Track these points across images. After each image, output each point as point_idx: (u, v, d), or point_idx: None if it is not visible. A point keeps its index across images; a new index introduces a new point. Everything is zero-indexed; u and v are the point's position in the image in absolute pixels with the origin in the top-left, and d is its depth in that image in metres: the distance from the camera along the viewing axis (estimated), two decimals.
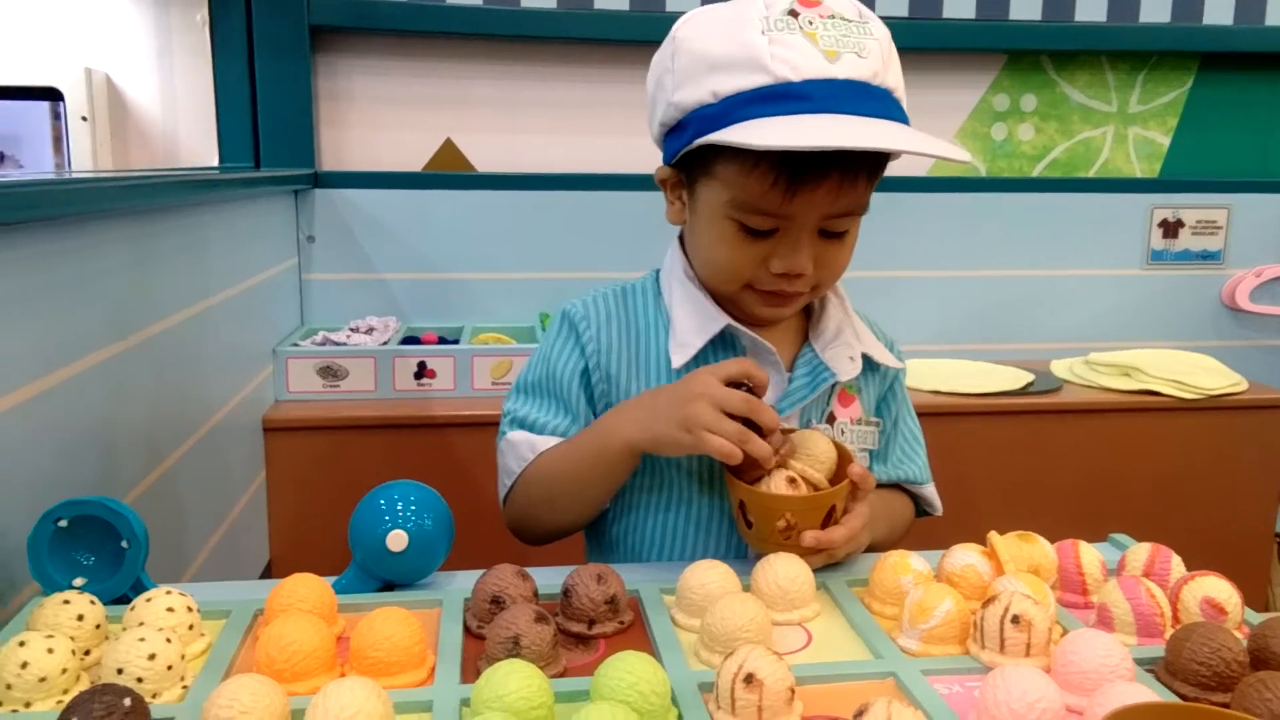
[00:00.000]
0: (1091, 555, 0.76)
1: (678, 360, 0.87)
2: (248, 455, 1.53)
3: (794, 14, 0.76)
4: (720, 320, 0.87)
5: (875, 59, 0.77)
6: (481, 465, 1.65)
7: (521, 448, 0.89)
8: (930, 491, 1.00)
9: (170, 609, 0.66)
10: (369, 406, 1.66)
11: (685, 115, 0.81)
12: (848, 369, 0.90)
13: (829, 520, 0.78)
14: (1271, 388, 1.85)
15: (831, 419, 0.91)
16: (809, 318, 0.93)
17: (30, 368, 0.82)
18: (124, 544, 0.73)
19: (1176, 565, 0.76)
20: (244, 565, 1.49)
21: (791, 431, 0.83)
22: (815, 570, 0.76)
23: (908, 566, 0.74)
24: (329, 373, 1.68)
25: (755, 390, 0.80)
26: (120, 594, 0.73)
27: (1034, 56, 2.08)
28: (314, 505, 1.61)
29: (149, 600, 0.66)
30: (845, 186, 0.78)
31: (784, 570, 0.73)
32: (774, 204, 0.79)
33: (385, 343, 1.75)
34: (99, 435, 0.96)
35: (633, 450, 0.83)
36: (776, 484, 0.77)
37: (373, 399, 1.69)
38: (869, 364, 0.93)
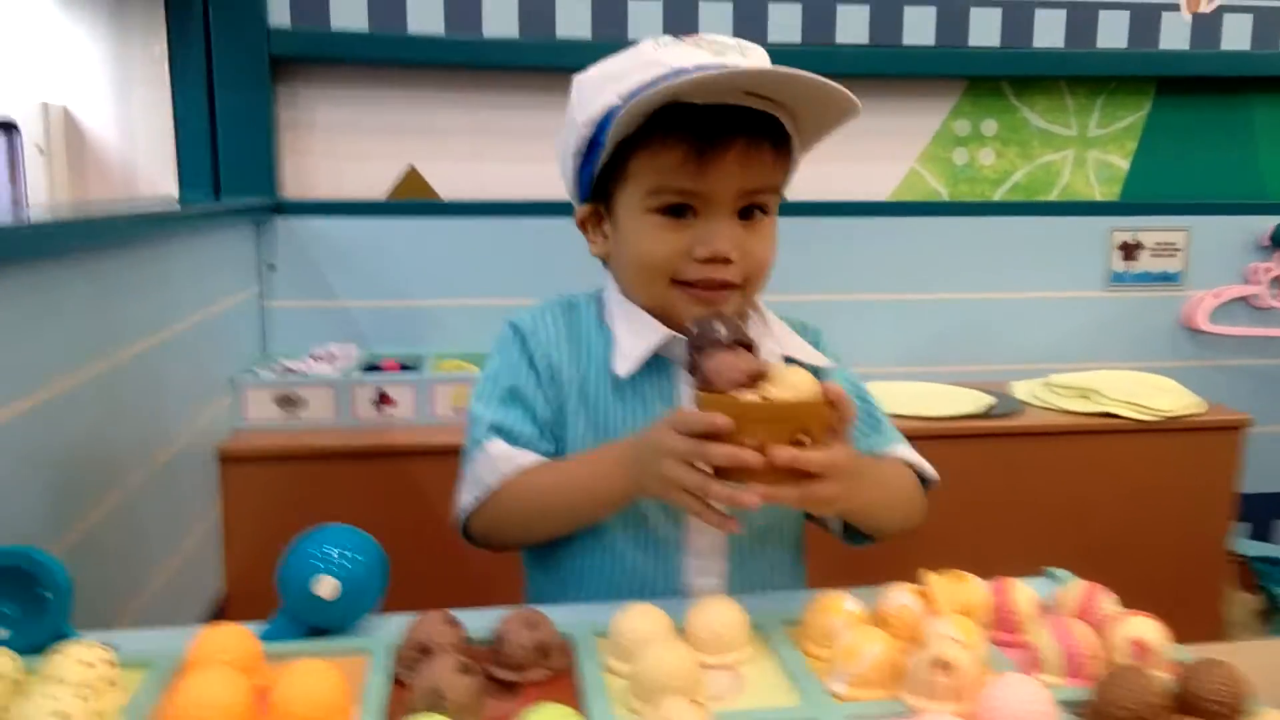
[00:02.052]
0: (1025, 594, 0.77)
1: (621, 370, 0.89)
2: (203, 486, 1.51)
3: (675, 38, 0.86)
4: (660, 331, 0.88)
5: (758, 60, 0.85)
6: (441, 493, 1.62)
7: (500, 461, 0.88)
8: (908, 452, 0.96)
9: (87, 663, 0.64)
10: (328, 436, 1.65)
11: (595, 128, 0.86)
12: None
13: (800, 447, 0.72)
14: (1229, 409, 1.87)
15: None
16: None
17: None
18: (48, 595, 0.72)
19: (1108, 603, 0.76)
20: (197, 599, 1.47)
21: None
22: (749, 614, 0.75)
23: (840, 608, 0.74)
24: (287, 402, 1.67)
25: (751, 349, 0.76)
26: (42, 646, 0.72)
27: (994, 82, 2.10)
28: (271, 537, 1.56)
29: (64, 654, 0.65)
30: (751, 156, 0.83)
31: (717, 614, 0.73)
32: (688, 180, 0.83)
33: (346, 371, 1.74)
34: (48, 470, 0.95)
35: (627, 496, 0.84)
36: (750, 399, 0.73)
37: (332, 428, 1.68)
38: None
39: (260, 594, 1.61)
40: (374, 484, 1.61)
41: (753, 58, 0.85)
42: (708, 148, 0.82)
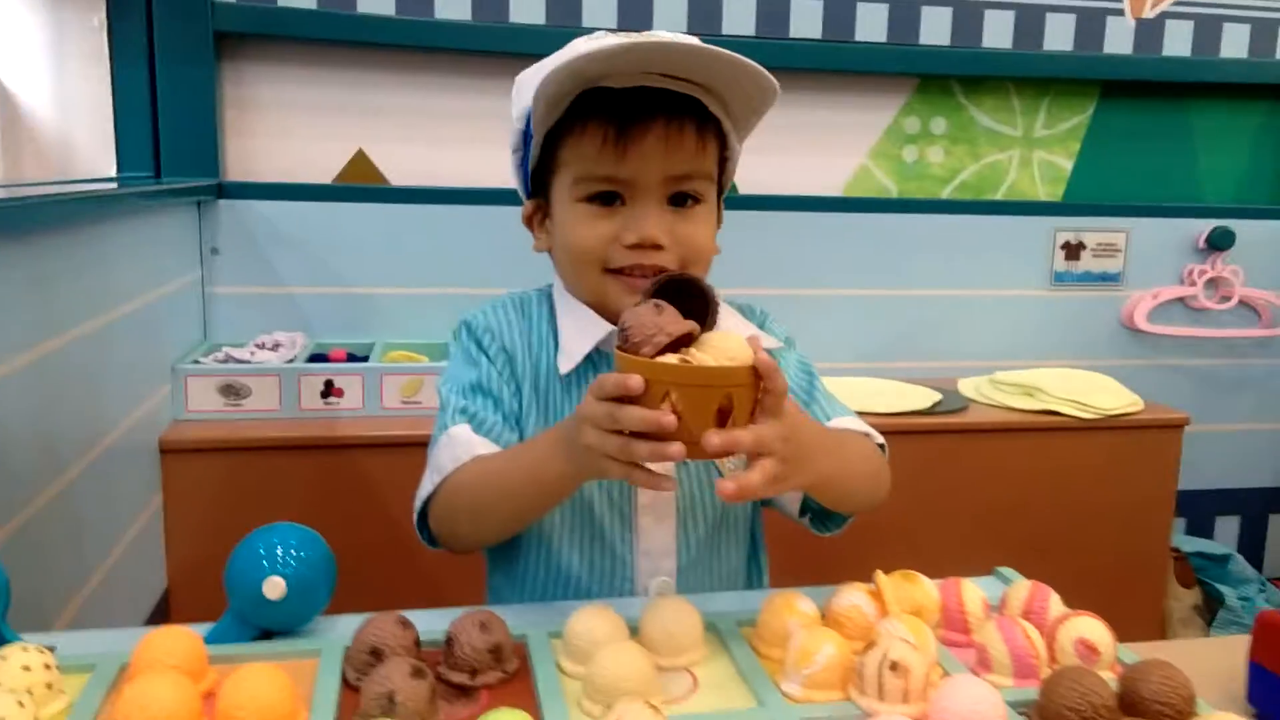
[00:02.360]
0: (974, 593, 0.78)
1: (564, 366, 0.89)
2: (143, 479, 1.48)
3: (615, 33, 0.85)
4: (603, 326, 0.88)
5: (687, 39, 0.83)
6: (390, 488, 1.62)
7: (459, 447, 0.86)
8: (855, 423, 0.93)
9: (26, 667, 0.62)
10: (273, 426, 1.62)
11: (524, 121, 0.87)
12: None
13: (725, 416, 0.68)
14: (1166, 407, 1.92)
15: None
16: None
17: None
18: None
19: (1055, 604, 0.77)
20: (140, 595, 1.44)
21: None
22: (704, 614, 0.75)
23: (794, 608, 0.74)
24: (230, 391, 1.63)
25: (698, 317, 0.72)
26: None
27: (944, 81, 2.13)
28: (214, 530, 1.55)
29: (3, 659, 0.63)
30: (672, 139, 0.83)
31: (671, 616, 0.73)
32: (610, 164, 0.83)
33: (292, 360, 1.71)
34: None
35: (567, 478, 0.79)
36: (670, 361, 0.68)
37: (277, 418, 1.65)
38: None
39: (204, 588, 1.58)
40: (321, 477, 1.59)
41: (680, 39, 0.84)
42: (626, 130, 0.82)
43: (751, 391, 0.69)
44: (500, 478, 0.84)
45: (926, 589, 0.77)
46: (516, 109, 0.89)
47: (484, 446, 0.86)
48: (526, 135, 0.89)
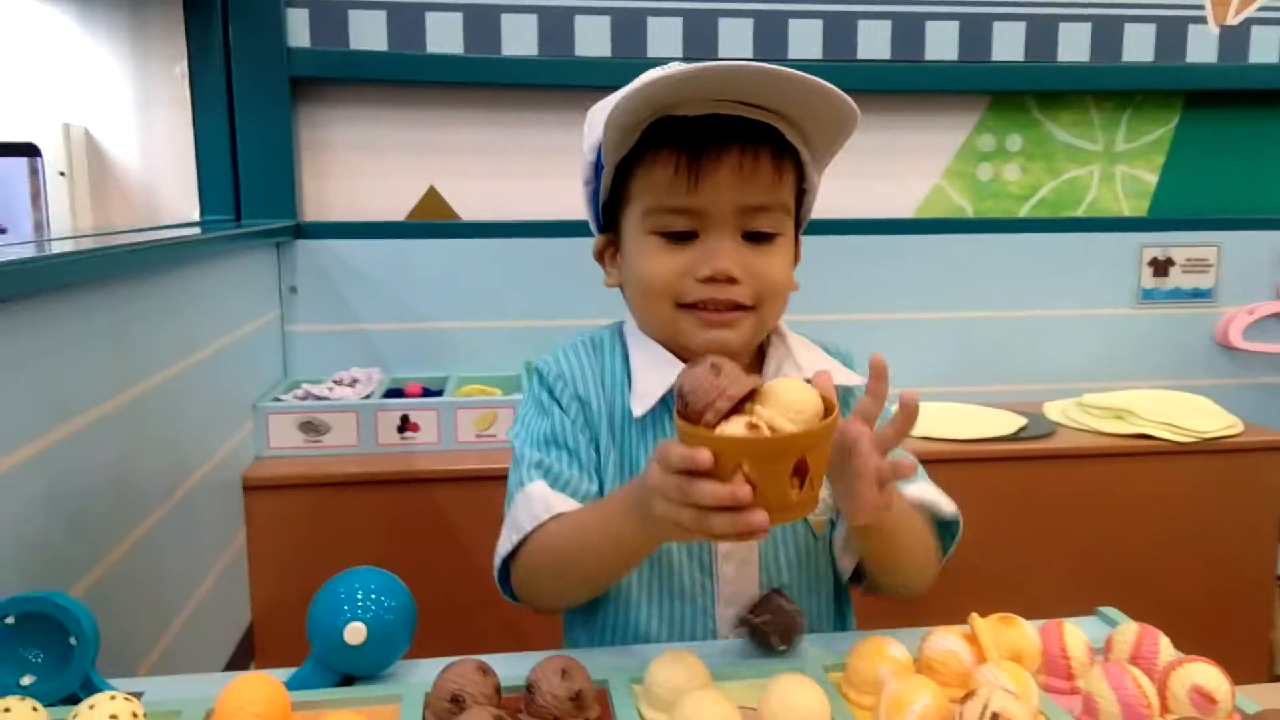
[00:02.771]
0: (1076, 637, 0.74)
1: (637, 410, 0.87)
2: (228, 514, 1.50)
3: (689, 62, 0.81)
4: (676, 366, 0.84)
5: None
6: (466, 521, 1.63)
7: (536, 504, 0.83)
8: (927, 491, 0.88)
9: (114, 715, 0.63)
10: (352, 462, 1.64)
11: (595, 152, 0.85)
12: None
13: (803, 477, 0.65)
14: (1267, 429, 1.83)
15: None
16: (761, 365, 0.90)
17: None
18: (72, 641, 0.70)
19: (1165, 648, 0.73)
20: (226, 630, 1.46)
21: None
22: (790, 656, 0.73)
23: (885, 654, 0.71)
24: (310, 428, 1.66)
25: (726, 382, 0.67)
26: (69, 693, 0.70)
27: (1018, 97, 2.08)
28: (296, 564, 1.58)
29: (92, 708, 0.63)
30: (747, 169, 0.80)
31: (795, 697, 0.65)
32: (681, 195, 0.81)
33: (368, 395, 1.73)
34: (72, 506, 0.94)
35: (643, 540, 0.76)
36: (736, 431, 0.64)
37: (355, 454, 1.67)
38: None
39: (287, 624, 1.59)
40: (398, 511, 1.60)
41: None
42: (698, 158, 0.80)
43: (827, 445, 0.66)
44: (580, 537, 0.81)
45: (1026, 632, 0.73)
46: (588, 141, 0.88)
47: (562, 503, 0.83)
48: (598, 167, 0.87)
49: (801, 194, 0.88)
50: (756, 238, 0.83)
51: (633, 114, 0.79)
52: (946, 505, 0.88)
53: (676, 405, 0.67)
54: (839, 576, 0.94)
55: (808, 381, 0.67)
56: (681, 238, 0.83)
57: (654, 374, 0.86)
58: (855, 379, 0.90)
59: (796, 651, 0.79)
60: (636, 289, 0.87)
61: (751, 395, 0.66)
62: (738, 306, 0.82)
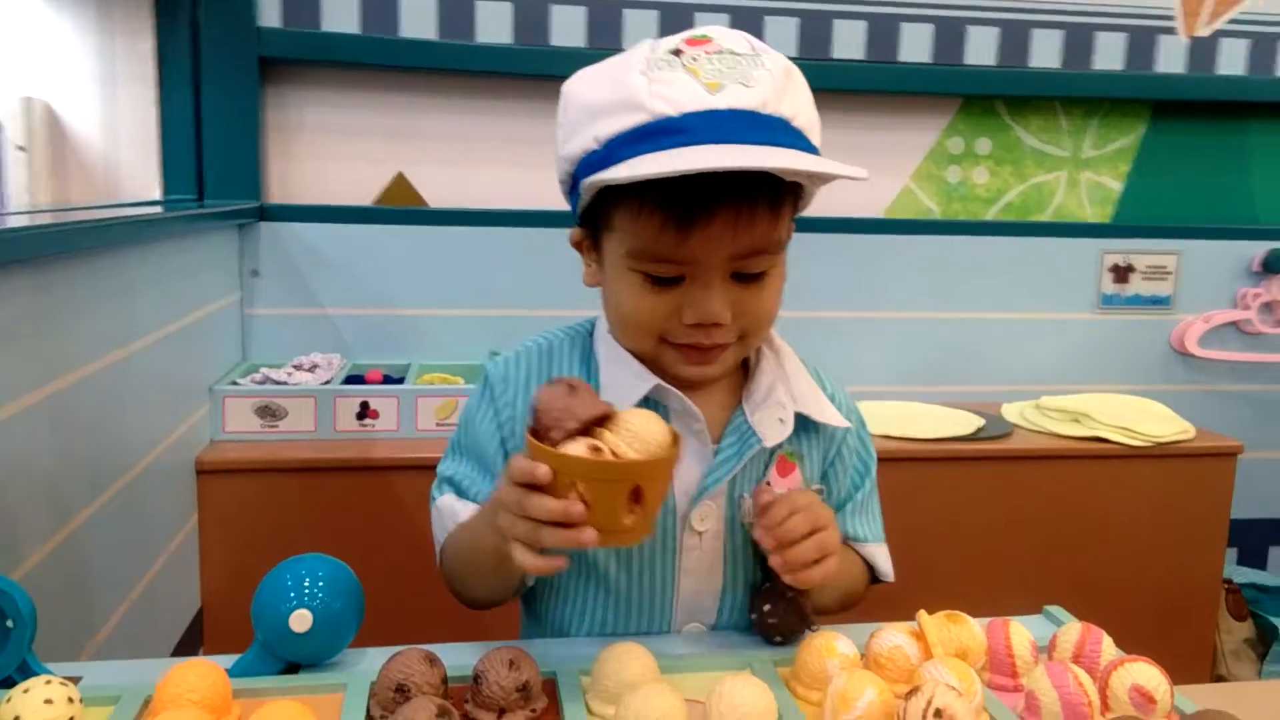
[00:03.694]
0: (1022, 635, 0.75)
1: None
2: (180, 497, 1.48)
3: (677, 53, 0.74)
4: (648, 380, 0.81)
5: (764, 88, 0.73)
6: (424, 510, 1.60)
7: (445, 517, 0.85)
8: (878, 552, 0.91)
9: (48, 700, 0.62)
10: (309, 448, 1.62)
11: (574, 167, 0.78)
12: (775, 433, 0.83)
13: (639, 503, 0.67)
14: (1219, 435, 1.86)
15: None
16: (746, 378, 0.87)
17: None
18: (9, 624, 0.69)
19: (1108, 647, 0.74)
20: (173, 613, 1.44)
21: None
22: (738, 654, 0.73)
23: (833, 650, 0.71)
24: (267, 412, 1.64)
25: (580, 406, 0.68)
26: (5, 675, 0.69)
27: (989, 101, 2.09)
28: (249, 550, 1.56)
29: (26, 691, 0.62)
30: (743, 222, 0.73)
31: (743, 696, 0.65)
32: (669, 248, 0.74)
33: (328, 381, 1.71)
34: (16, 487, 0.92)
35: (501, 555, 0.72)
36: (577, 451, 0.66)
37: (313, 439, 1.65)
38: (810, 425, 0.86)
39: (237, 609, 1.57)
40: (355, 499, 1.58)
41: (757, 87, 0.73)
42: (689, 216, 0.72)
43: (665, 477, 0.68)
44: (469, 547, 0.82)
45: (972, 630, 0.74)
46: (563, 147, 0.79)
47: (466, 512, 0.83)
48: (575, 177, 0.79)
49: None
50: (747, 277, 0.77)
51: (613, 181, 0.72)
52: (886, 573, 0.92)
53: (528, 420, 0.69)
54: None
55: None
56: (666, 281, 0.76)
57: (624, 384, 0.82)
58: (840, 422, 0.87)
59: (746, 644, 0.79)
60: (617, 317, 0.82)
61: (605, 420, 0.69)
62: (720, 346, 0.79)
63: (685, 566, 0.85)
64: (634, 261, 0.77)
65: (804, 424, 0.86)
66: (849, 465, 0.91)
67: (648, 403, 0.81)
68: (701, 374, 0.81)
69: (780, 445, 0.85)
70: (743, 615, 0.87)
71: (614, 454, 0.66)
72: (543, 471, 0.65)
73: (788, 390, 0.85)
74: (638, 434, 0.67)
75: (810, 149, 0.75)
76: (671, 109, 0.72)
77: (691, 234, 0.73)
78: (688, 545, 0.84)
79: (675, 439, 0.69)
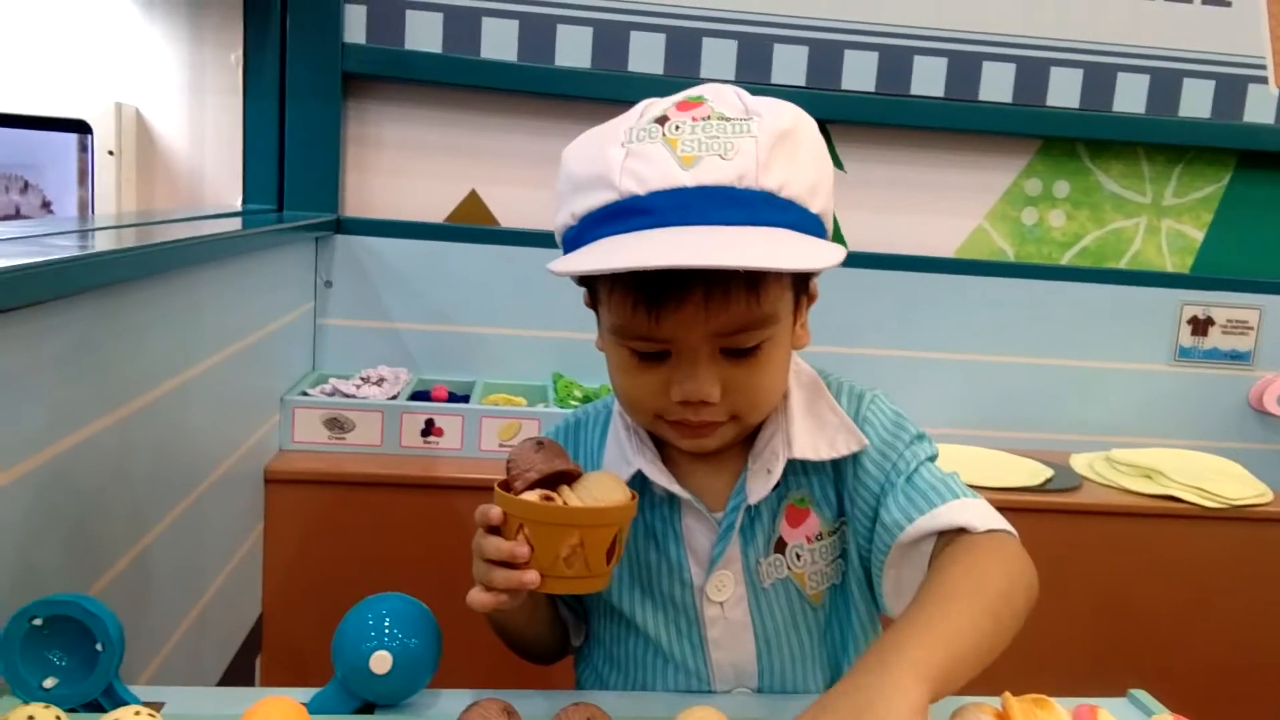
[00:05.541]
0: None
1: None
2: (249, 505, 1.50)
3: (663, 120, 0.71)
4: (633, 465, 0.81)
5: (745, 159, 0.69)
6: None
7: None
8: (965, 509, 0.76)
9: None
10: (374, 462, 1.64)
11: (561, 240, 0.77)
12: (761, 487, 0.80)
13: (613, 551, 0.72)
14: None
15: (781, 546, 0.82)
16: (753, 438, 0.82)
17: (17, 448, 0.79)
18: (98, 647, 0.70)
19: None
20: (235, 618, 1.46)
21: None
22: None
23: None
24: (335, 424, 1.66)
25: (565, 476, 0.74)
26: (92, 699, 0.70)
27: (1069, 144, 2.06)
28: (310, 560, 1.58)
29: None
30: (715, 303, 0.70)
31: None
32: (644, 328, 0.72)
33: (395, 395, 1.73)
34: (98, 502, 0.93)
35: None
36: (527, 497, 0.71)
37: (378, 454, 1.67)
38: (816, 462, 0.81)
39: (297, 617, 1.59)
40: (417, 516, 1.59)
41: (736, 159, 0.69)
42: (658, 301, 0.70)
43: (608, 534, 0.72)
44: None
45: (1060, 717, 0.72)
46: (556, 219, 0.77)
47: None
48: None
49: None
50: (738, 353, 0.74)
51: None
52: (999, 523, 0.76)
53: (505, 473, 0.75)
54: (839, 647, 0.87)
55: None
56: (653, 357, 0.74)
57: (616, 468, 0.82)
58: (853, 445, 0.81)
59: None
60: (614, 391, 0.81)
61: (569, 477, 0.74)
62: (712, 425, 0.76)
63: (712, 638, 0.84)
64: (618, 338, 0.75)
65: (811, 464, 0.81)
66: (877, 463, 0.81)
67: (640, 482, 0.82)
68: (699, 448, 0.79)
69: (783, 495, 0.82)
70: (787, 678, 0.85)
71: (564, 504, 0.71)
72: (495, 513, 0.71)
73: (785, 438, 0.80)
74: (592, 492, 0.73)
75: (803, 219, 0.71)
76: (639, 187, 0.69)
77: (663, 315, 0.71)
78: (709, 617, 0.83)
79: (632, 497, 0.74)
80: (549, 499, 0.71)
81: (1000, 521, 0.76)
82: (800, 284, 0.78)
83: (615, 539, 0.72)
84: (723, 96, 0.73)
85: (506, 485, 0.74)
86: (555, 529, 0.70)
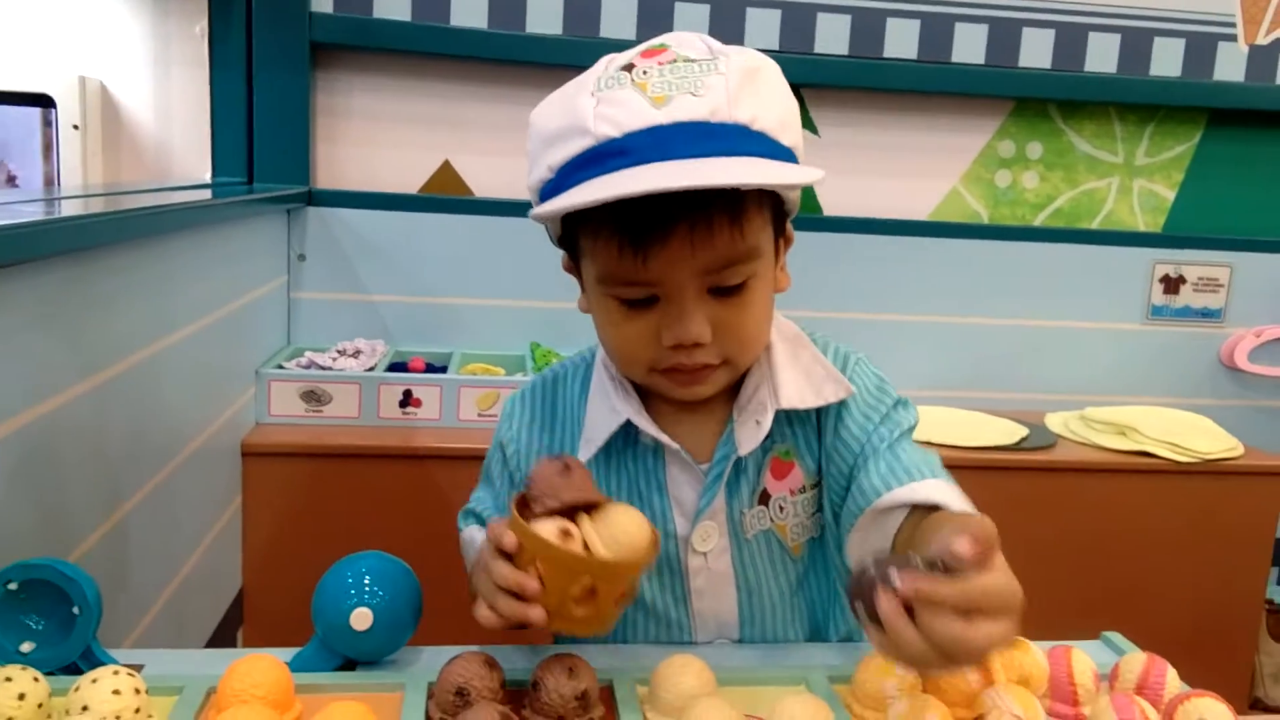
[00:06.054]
0: (1084, 663, 0.74)
1: (583, 455, 0.82)
2: (226, 479, 1.50)
3: (629, 67, 0.72)
4: (620, 415, 0.81)
5: (716, 94, 0.70)
6: (463, 500, 1.62)
7: (468, 548, 0.88)
8: (943, 490, 0.75)
9: (116, 690, 0.62)
10: (352, 434, 1.63)
11: (536, 198, 0.76)
12: (751, 438, 0.80)
13: (593, 598, 0.68)
14: (1266, 452, 1.83)
15: (765, 498, 0.83)
16: (737, 389, 0.83)
17: None
18: (75, 610, 0.69)
19: (1172, 679, 0.73)
20: (216, 592, 1.46)
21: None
22: (792, 665, 0.72)
23: (892, 670, 0.71)
24: (312, 397, 1.65)
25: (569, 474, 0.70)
26: (69, 662, 0.70)
27: (1041, 104, 2.06)
28: (289, 533, 1.57)
29: (94, 681, 0.62)
30: (700, 237, 0.70)
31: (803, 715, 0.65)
32: (631, 270, 0.72)
33: (372, 367, 1.72)
34: (72, 472, 0.93)
35: None
36: (545, 530, 0.66)
37: (356, 425, 1.66)
38: (803, 416, 0.82)
39: (277, 590, 1.59)
40: (396, 486, 1.59)
41: (708, 95, 0.69)
42: (642, 240, 0.70)
43: (620, 581, 0.69)
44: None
45: (1035, 658, 0.73)
46: (529, 178, 0.77)
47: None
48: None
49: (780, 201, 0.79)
50: (725, 291, 0.74)
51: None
52: (956, 507, 0.75)
53: (523, 486, 0.71)
54: (816, 599, 0.89)
55: None
56: (641, 303, 0.75)
57: (601, 416, 0.83)
58: (840, 393, 0.81)
59: (803, 659, 0.79)
60: (604, 346, 0.82)
61: (592, 507, 0.69)
62: (707, 367, 0.77)
63: (695, 588, 0.85)
64: (605, 287, 0.75)
65: (796, 416, 0.83)
66: (859, 424, 0.82)
67: (623, 434, 0.82)
68: (693, 395, 0.79)
69: (768, 448, 0.83)
70: (767, 629, 0.86)
71: (585, 543, 0.67)
72: (509, 540, 0.67)
73: (771, 389, 0.81)
74: (615, 532, 0.67)
75: (776, 151, 0.72)
76: (615, 130, 0.70)
77: (649, 255, 0.71)
78: (693, 568, 0.84)
79: (654, 543, 0.69)
80: (567, 534, 0.66)
81: (973, 510, 0.76)
82: (778, 225, 0.79)
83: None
84: (686, 41, 0.74)
85: (523, 501, 0.69)
86: (571, 573, 0.66)
